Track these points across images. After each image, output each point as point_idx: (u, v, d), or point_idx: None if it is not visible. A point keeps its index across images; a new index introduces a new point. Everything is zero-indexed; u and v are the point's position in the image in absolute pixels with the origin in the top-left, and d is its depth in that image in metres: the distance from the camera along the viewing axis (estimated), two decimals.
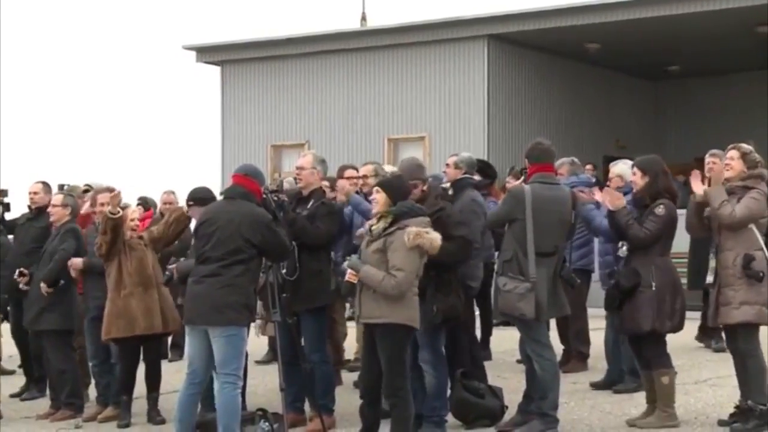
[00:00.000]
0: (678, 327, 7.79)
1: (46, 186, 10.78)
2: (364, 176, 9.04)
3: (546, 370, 7.65)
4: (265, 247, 7.35)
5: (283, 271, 8.04)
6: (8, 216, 11.26)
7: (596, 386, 9.40)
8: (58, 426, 9.22)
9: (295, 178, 8.85)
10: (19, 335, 10.76)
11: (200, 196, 8.45)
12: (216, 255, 7.23)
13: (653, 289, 7.60)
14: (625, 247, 7.77)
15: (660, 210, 7.66)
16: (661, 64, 21.10)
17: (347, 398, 8.72)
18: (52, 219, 9.79)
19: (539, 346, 7.71)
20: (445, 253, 7.31)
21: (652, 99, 23.07)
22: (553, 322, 9.36)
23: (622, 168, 9.40)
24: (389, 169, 9.36)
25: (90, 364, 9.59)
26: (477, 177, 9.21)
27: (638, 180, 7.81)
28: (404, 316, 7.05)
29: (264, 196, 7.62)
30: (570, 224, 7.75)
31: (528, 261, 7.50)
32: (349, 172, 9.58)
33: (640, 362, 8.00)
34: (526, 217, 7.53)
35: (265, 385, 9.74)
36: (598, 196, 9.37)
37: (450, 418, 8.16)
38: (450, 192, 8.51)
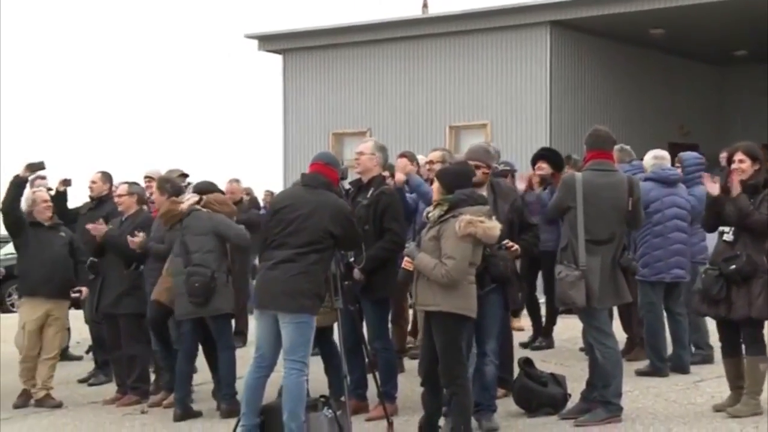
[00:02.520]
0: None
1: (105, 175, 10.86)
2: (431, 162, 9.01)
3: (607, 358, 7.61)
4: (344, 238, 7.38)
5: (351, 259, 8.03)
6: (70, 205, 11.34)
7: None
8: (124, 411, 9.34)
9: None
10: (93, 321, 10.80)
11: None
12: (294, 242, 7.23)
13: None
14: (731, 232, 7.58)
15: None
16: (727, 49, 20.79)
17: (410, 385, 8.74)
18: (120, 209, 9.90)
19: (600, 334, 7.66)
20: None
21: (718, 85, 22.76)
22: (615, 310, 9.28)
23: (645, 159, 9.50)
24: (459, 158, 9.29)
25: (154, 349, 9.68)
26: None
27: (748, 167, 7.59)
28: (457, 305, 6.98)
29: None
30: (626, 211, 7.62)
31: (579, 248, 7.47)
32: (400, 161, 9.51)
33: (727, 349, 7.76)
34: (577, 204, 7.50)
35: None
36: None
37: (513, 405, 8.16)
38: None
